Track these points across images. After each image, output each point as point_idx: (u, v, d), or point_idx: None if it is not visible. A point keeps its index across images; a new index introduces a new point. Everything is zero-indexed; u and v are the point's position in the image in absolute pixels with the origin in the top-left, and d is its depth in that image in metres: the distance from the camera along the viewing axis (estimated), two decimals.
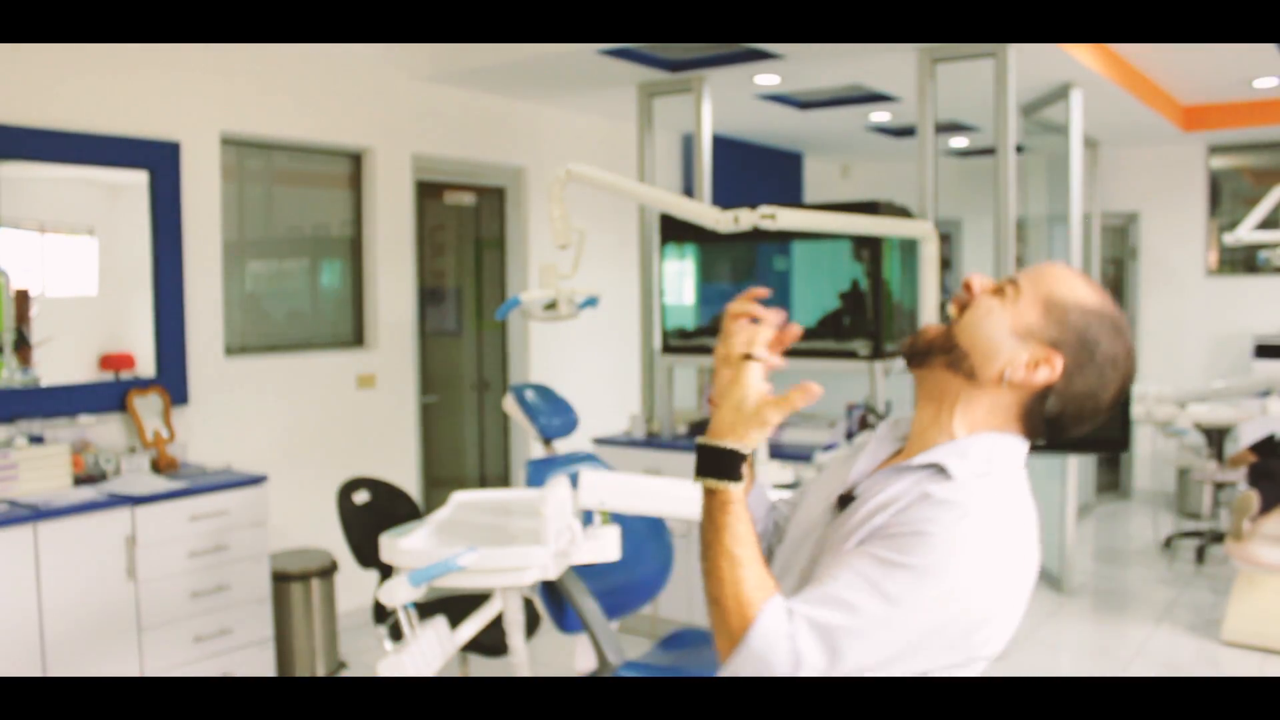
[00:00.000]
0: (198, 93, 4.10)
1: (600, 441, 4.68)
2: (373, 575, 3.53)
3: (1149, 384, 5.63)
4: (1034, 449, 1.21)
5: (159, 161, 3.93)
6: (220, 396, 4.19)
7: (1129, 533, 6.49)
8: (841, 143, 7.05)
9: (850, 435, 4.28)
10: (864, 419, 4.24)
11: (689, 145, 6.21)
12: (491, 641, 2.72)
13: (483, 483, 5.73)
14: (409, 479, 4.99)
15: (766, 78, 4.98)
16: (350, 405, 4.74)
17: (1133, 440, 6.66)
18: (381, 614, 3.22)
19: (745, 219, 2.74)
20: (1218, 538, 5.62)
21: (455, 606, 2.69)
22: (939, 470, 1.15)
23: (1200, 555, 5.64)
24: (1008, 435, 1.19)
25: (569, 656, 2.99)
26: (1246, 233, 5.46)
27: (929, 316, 3.14)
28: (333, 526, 3.50)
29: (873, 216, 3.48)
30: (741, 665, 1.01)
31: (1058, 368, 1.16)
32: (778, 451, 4.01)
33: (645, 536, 3.04)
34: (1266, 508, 4.53)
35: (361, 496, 3.46)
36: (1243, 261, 6.96)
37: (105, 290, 3.93)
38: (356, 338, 4.88)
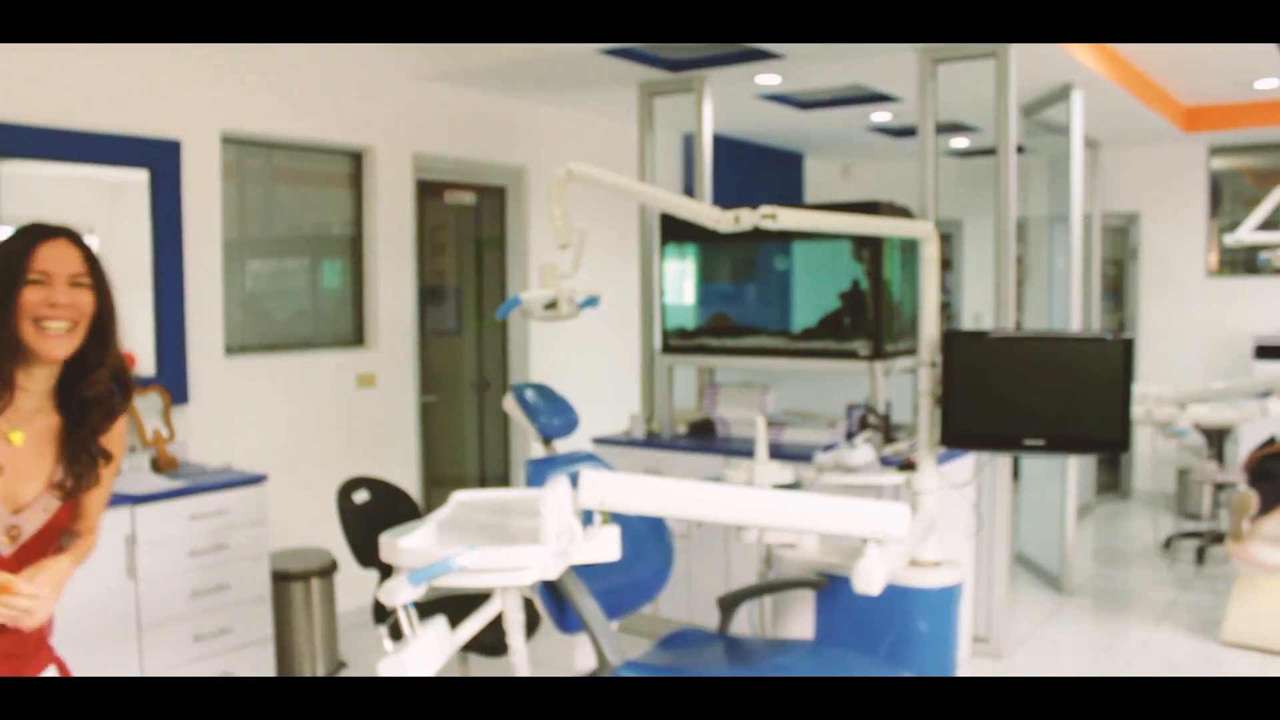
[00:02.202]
0: (198, 92, 4.10)
1: (600, 441, 4.68)
2: (372, 575, 3.53)
3: (1150, 384, 5.62)
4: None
5: (159, 161, 3.93)
6: (220, 396, 4.19)
7: (1129, 533, 6.49)
8: (842, 143, 7.05)
9: (850, 435, 4.27)
10: (864, 419, 4.24)
11: (689, 145, 6.21)
12: (491, 641, 2.72)
13: (483, 483, 5.73)
14: (409, 479, 4.99)
15: (767, 78, 4.98)
16: (350, 405, 4.74)
17: (1133, 440, 6.67)
18: (382, 613, 3.22)
19: (746, 219, 2.74)
20: (1218, 538, 5.62)
21: (455, 606, 2.69)
22: None
23: (1200, 556, 5.64)
24: None
25: (569, 656, 2.99)
26: (1247, 234, 5.46)
27: (929, 317, 3.13)
28: (333, 526, 3.50)
29: (873, 216, 3.48)
30: None
31: None
32: (778, 451, 4.01)
33: (645, 536, 3.04)
34: (1266, 508, 4.53)
35: (361, 496, 3.46)
36: (1243, 262, 6.96)
37: None
38: (356, 337, 4.88)
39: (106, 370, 1.71)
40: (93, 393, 1.71)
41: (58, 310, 1.63)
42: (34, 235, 1.67)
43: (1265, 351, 6.51)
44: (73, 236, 1.70)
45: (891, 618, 2.77)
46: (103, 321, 1.70)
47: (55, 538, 1.76)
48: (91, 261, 1.70)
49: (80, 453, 1.73)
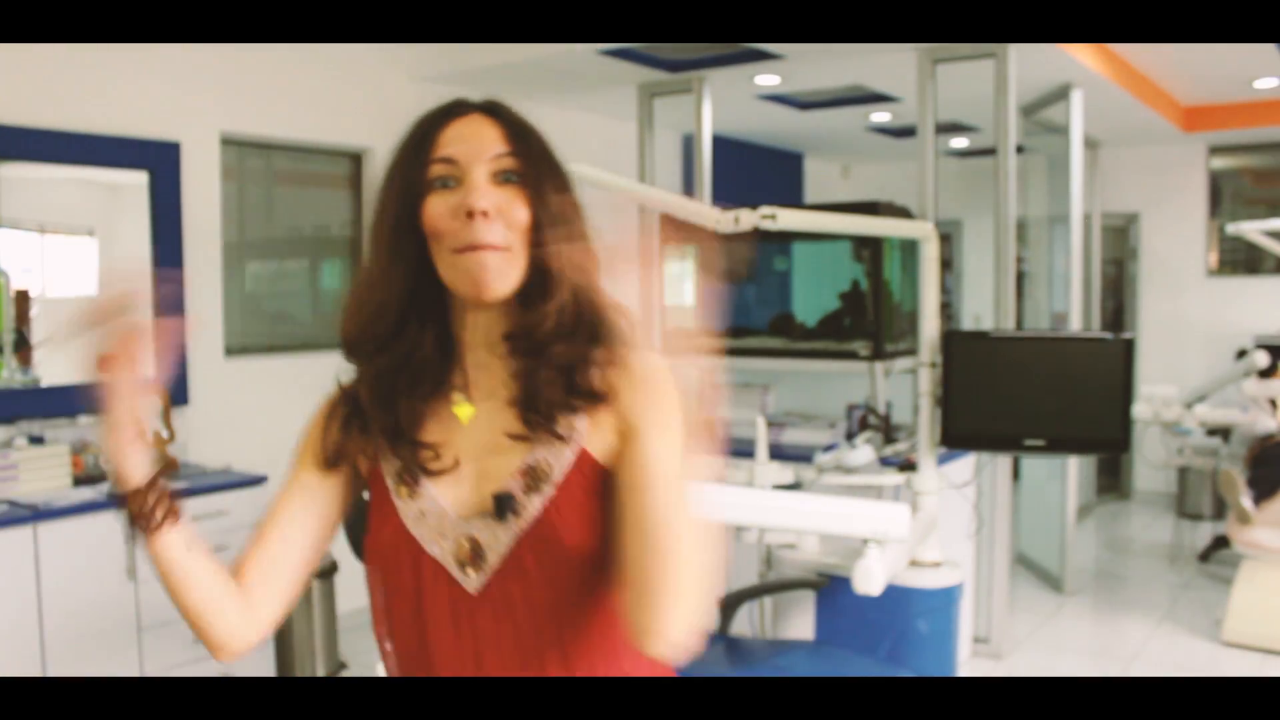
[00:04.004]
0: (198, 93, 4.10)
1: None
2: None
3: (1157, 385, 5.62)
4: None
5: (159, 161, 3.93)
6: (220, 397, 4.19)
7: (1129, 533, 6.49)
8: (841, 143, 7.05)
9: (850, 435, 4.27)
10: (864, 419, 4.24)
11: (689, 145, 6.21)
12: None
13: None
14: None
15: (766, 78, 4.98)
16: None
17: (1132, 440, 6.68)
18: None
19: (745, 219, 2.74)
20: (1223, 541, 5.62)
21: None
22: None
23: (1204, 556, 5.65)
24: None
25: None
26: (1248, 224, 5.46)
27: (929, 317, 3.14)
28: None
29: (873, 217, 3.49)
30: None
31: None
32: (777, 452, 4.00)
33: None
34: (1268, 494, 4.54)
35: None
36: (1243, 262, 6.96)
37: (105, 290, 3.93)
38: None
39: (555, 304, 1.09)
40: (542, 334, 1.09)
41: (480, 228, 1.05)
42: (439, 116, 1.13)
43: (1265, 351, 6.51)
44: (492, 109, 1.15)
45: (892, 618, 2.77)
46: (541, 232, 1.09)
47: (552, 564, 1.06)
48: (520, 141, 1.11)
49: (543, 418, 1.09)
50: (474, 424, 1.11)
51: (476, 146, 1.08)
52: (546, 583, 1.04)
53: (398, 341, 1.10)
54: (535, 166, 1.09)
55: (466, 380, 1.12)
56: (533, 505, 1.05)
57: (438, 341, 1.12)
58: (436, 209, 1.07)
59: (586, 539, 1.04)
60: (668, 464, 1.02)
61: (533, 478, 1.07)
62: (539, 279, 1.08)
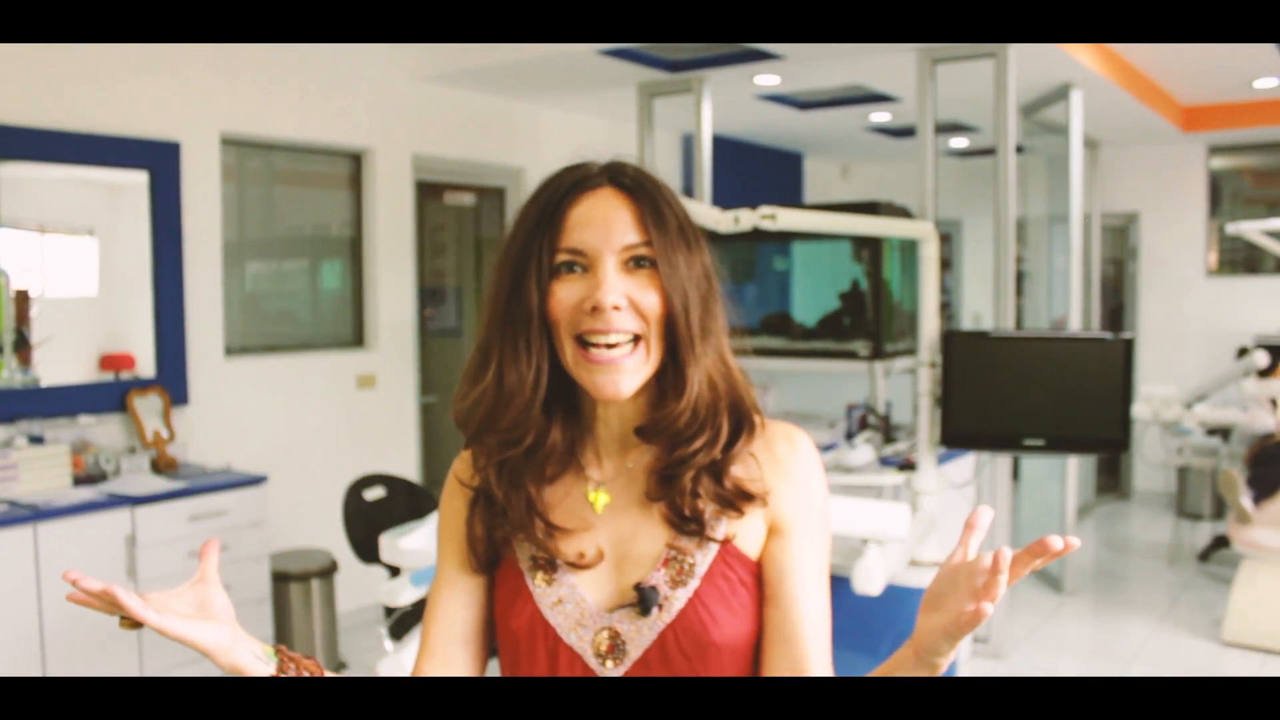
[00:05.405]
0: (198, 93, 4.11)
1: None
2: (372, 575, 3.53)
3: (1156, 385, 5.63)
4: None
5: (159, 161, 3.94)
6: (220, 396, 4.19)
7: (1129, 533, 6.49)
8: (841, 143, 7.05)
9: (850, 435, 4.27)
10: (864, 419, 4.24)
11: (689, 145, 6.21)
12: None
13: None
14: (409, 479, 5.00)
15: (766, 78, 4.98)
16: (350, 405, 4.74)
17: (1132, 440, 6.68)
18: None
19: (745, 219, 2.74)
20: (1222, 541, 5.63)
21: None
22: None
23: (1204, 556, 5.65)
24: None
25: None
26: (1248, 224, 5.46)
27: (929, 317, 3.14)
28: (333, 526, 3.51)
29: (873, 217, 3.49)
30: None
31: None
32: None
33: None
34: (1267, 494, 4.54)
35: (376, 492, 3.47)
36: (1243, 261, 6.96)
37: (105, 290, 3.93)
38: (356, 338, 4.88)
39: (689, 398, 1.05)
40: (677, 429, 1.05)
41: (610, 318, 1.01)
42: (566, 190, 1.06)
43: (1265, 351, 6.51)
44: (620, 181, 1.07)
45: (891, 618, 2.77)
46: (674, 327, 1.04)
47: (698, 657, 1.03)
48: (654, 221, 1.04)
49: (696, 524, 1.05)
50: (609, 510, 1.08)
51: (605, 234, 1.02)
52: (688, 674, 1.03)
53: (526, 430, 1.05)
54: (669, 247, 1.03)
55: (599, 462, 1.10)
56: (677, 599, 1.03)
57: (566, 425, 1.08)
58: (563, 296, 1.02)
59: (731, 632, 1.03)
60: (815, 560, 1.06)
61: (676, 570, 1.04)
62: (673, 365, 1.04)
